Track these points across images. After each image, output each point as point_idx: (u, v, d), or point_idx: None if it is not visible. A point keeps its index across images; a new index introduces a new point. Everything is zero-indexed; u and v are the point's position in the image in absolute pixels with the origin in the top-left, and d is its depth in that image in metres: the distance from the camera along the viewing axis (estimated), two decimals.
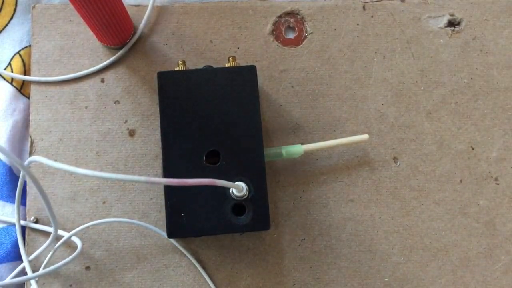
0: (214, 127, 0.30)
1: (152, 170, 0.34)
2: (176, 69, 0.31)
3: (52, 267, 0.29)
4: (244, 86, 0.30)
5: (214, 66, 0.32)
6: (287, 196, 0.34)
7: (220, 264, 0.33)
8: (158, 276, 0.33)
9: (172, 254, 0.33)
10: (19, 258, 0.33)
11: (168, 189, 0.29)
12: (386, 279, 0.34)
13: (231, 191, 0.29)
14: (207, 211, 0.29)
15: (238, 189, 0.28)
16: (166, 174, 0.29)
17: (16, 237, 0.33)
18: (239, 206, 0.29)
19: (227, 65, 0.31)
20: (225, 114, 0.30)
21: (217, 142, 0.29)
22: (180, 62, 0.31)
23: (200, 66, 0.35)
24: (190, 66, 0.35)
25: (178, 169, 0.29)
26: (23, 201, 0.34)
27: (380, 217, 0.34)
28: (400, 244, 0.34)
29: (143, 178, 0.22)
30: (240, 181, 0.29)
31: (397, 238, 0.34)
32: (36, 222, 0.33)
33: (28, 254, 0.33)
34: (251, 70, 0.30)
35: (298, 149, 0.33)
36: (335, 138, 0.34)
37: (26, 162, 0.24)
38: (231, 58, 0.31)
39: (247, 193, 0.29)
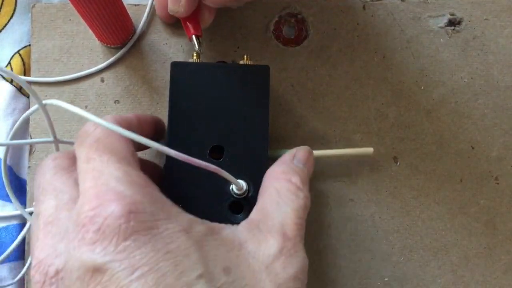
0: (221, 122, 0.29)
1: None
2: (190, 60, 0.31)
3: None
4: (255, 86, 0.30)
5: None
6: None
7: None
8: None
9: None
10: (20, 258, 0.33)
11: (166, 181, 0.29)
12: (386, 279, 0.34)
13: (231, 188, 0.29)
14: (204, 206, 0.28)
15: (239, 186, 0.28)
16: (168, 162, 0.29)
17: (17, 237, 0.33)
18: (236, 204, 0.29)
19: (241, 62, 0.31)
20: (234, 111, 0.29)
21: (222, 138, 0.29)
22: (194, 54, 0.31)
23: None
24: None
25: (182, 160, 0.29)
26: (22, 201, 0.34)
27: (380, 217, 0.34)
28: (400, 243, 0.34)
29: (156, 144, 0.22)
30: (241, 179, 0.29)
31: (397, 237, 0.34)
32: None
33: (28, 253, 0.33)
34: (264, 70, 0.30)
35: None
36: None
37: (44, 102, 0.24)
38: (246, 56, 0.31)
39: (247, 192, 0.29)
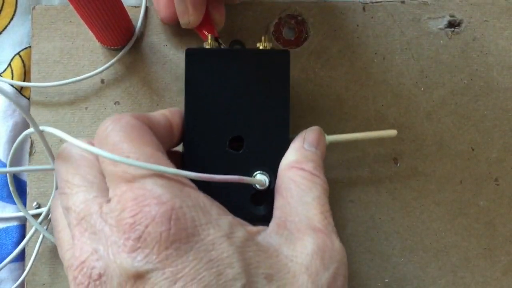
0: (240, 112, 0.28)
1: None
2: (205, 45, 0.29)
3: None
4: (275, 72, 0.28)
5: None
6: None
7: None
8: None
9: None
10: (20, 259, 0.33)
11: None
12: (386, 280, 0.34)
13: None
14: (226, 199, 0.26)
15: (261, 184, 0.27)
16: (187, 157, 0.28)
17: (17, 239, 0.33)
18: (258, 195, 0.28)
19: (258, 44, 0.29)
20: (253, 99, 0.28)
21: (242, 128, 0.28)
22: (209, 36, 0.29)
23: None
24: None
25: (200, 153, 0.28)
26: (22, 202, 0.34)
27: (380, 218, 0.34)
28: (400, 245, 0.34)
29: (172, 170, 0.21)
30: (261, 170, 0.28)
31: (397, 238, 0.34)
32: (39, 207, 0.33)
33: (29, 255, 0.33)
34: (284, 55, 0.29)
35: None
36: None
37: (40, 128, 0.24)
38: (263, 37, 0.29)
39: (268, 185, 0.28)
